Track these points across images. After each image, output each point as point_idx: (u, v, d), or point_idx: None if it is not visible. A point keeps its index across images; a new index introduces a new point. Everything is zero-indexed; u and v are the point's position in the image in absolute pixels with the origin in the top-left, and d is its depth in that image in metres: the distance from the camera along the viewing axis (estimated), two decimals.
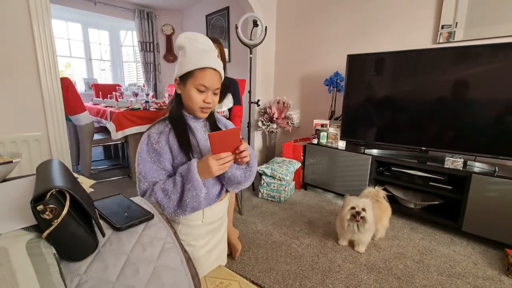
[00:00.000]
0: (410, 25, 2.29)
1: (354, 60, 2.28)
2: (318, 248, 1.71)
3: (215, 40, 1.59)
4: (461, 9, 2.01)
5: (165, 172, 0.89)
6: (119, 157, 3.52)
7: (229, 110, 1.82)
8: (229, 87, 1.75)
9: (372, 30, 2.51)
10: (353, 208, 1.58)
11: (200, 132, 0.95)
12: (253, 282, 1.13)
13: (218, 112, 1.72)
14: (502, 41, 1.72)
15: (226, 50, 3.90)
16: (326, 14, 2.82)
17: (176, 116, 0.92)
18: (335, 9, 2.75)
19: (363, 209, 1.56)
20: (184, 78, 0.87)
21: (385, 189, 1.84)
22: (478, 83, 1.79)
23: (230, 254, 1.60)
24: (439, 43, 2.14)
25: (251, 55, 2.62)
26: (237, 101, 1.82)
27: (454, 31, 2.06)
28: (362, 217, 1.55)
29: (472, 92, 1.82)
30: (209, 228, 0.99)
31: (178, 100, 0.92)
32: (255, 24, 2.56)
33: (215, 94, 0.90)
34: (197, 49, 0.85)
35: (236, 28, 2.42)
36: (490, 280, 1.45)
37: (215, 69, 0.87)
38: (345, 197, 1.69)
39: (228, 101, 1.74)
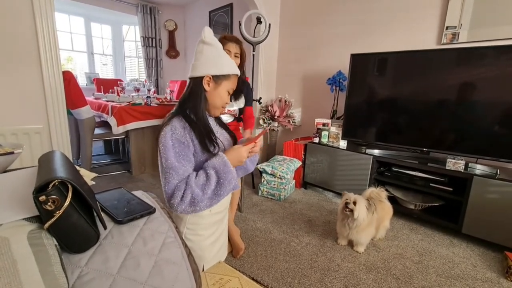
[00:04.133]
0: (414, 25, 2.28)
1: (357, 60, 2.27)
2: (317, 247, 1.70)
3: (236, 41, 1.62)
4: (466, 11, 2.00)
5: (191, 165, 0.87)
6: (119, 152, 3.51)
7: (239, 110, 1.82)
8: (243, 88, 1.77)
9: (376, 30, 2.50)
10: (346, 200, 1.61)
11: (213, 126, 0.98)
12: (252, 279, 1.13)
13: (229, 111, 1.72)
14: (507, 43, 1.71)
15: None
16: (330, 13, 2.81)
17: (195, 114, 0.90)
18: (339, 8, 2.73)
19: (354, 202, 1.57)
20: (219, 78, 0.91)
21: (386, 190, 1.84)
22: (481, 85, 1.78)
23: (231, 252, 1.61)
24: (443, 44, 2.13)
25: (254, 52, 2.61)
26: (249, 102, 1.83)
27: (459, 32, 2.05)
28: (350, 210, 1.57)
29: (475, 94, 1.81)
30: (215, 219, 1.01)
31: (202, 97, 0.91)
32: (259, 21, 2.55)
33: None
34: (225, 54, 0.93)
35: (240, 24, 2.41)
36: (489, 282, 1.45)
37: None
38: (343, 193, 1.70)
39: (240, 101, 1.77)
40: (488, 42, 1.92)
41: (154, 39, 4.74)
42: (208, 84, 0.90)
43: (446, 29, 2.10)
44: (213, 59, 0.90)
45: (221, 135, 0.99)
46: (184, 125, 0.86)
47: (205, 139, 0.88)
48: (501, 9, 1.87)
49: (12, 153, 0.72)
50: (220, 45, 0.93)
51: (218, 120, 1.05)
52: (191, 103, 0.90)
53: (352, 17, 2.65)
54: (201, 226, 0.96)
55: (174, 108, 0.94)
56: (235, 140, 1.06)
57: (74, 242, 0.50)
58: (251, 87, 1.94)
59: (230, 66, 0.92)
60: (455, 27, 2.06)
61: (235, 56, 1.62)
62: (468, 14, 2.00)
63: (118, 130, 2.54)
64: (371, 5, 2.50)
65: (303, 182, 2.68)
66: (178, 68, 5.08)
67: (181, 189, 0.80)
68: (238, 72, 0.94)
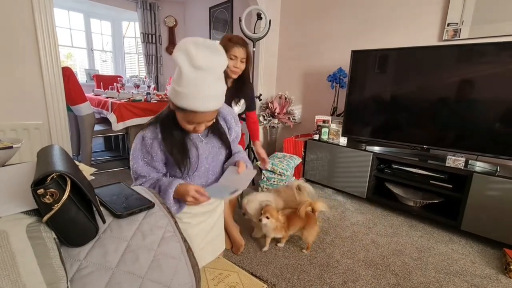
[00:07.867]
0: (416, 22, 2.26)
1: (358, 56, 2.26)
2: (317, 243, 1.71)
3: (243, 44, 1.44)
4: (468, 7, 1.98)
5: (156, 171, 0.91)
6: (119, 149, 3.51)
7: (239, 115, 1.66)
8: (241, 93, 1.59)
9: (377, 26, 2.49)
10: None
11: (195, 136, 0.92)
12: (251, 274, 1.13)
13: None
14: (509, 40, 1.70)
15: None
16: (331, 9, 2.79)
17: (168, 125, 0.88)
18: (340, 4, 2.72)
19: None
20: (177, 106, 0.79)
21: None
22: (482, 82, 1.77)
23: (231, 249, 1.61)
24: (444, 40, 2.12)
25: (254, 49, 2.59)
26: (252, 106, 1.70)
27: (460, 29, 2.04)
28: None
29: (476, 91, 1.80)
30: (203, 209, 1.01)
31: (173, 113, 0.86)
32: (259, 17, 2.54)
33: (208, 121, 0.85)
34: (194, 77, 0.72)
35: (240, 21, 2.40)
36: (488, 278, 1.45)
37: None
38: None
39: (238, 108, 1.61)
40: (490, 39, 1.91)
41: (154, 36, 4.71)
42: (172, 105, 0.82)
43: (448, 25, 2.09)
44: (174, 84, 0.75)
45: (208, 143, 0.94)
46: (155, 136, 0.87)
47: (175, 152, 0.87)
48: (503, 5, 1.85)
49: (11, 147, 0.72)
50: (186, 64, 0.71)
51: (214, 127, 0.95)
52: (164, 112, 0.91)
53: (353, 13, 2.63)
54: (188, 215, 0.96)
55: (161, 111, 0.93)
56: (228, 147, 1.00)
57: (73, 236, 0.50)
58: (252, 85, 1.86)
59: (186, 98, 0.73)
60: (457, 23, 2.05)
61: (241, 62, 1.45)
62: (470, 10, 1.98)
63: (118, 126, 2.54)
64: (372, 1, 2.49)
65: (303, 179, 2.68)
66: None
67: (138, 181, 0.90)
68: (199, 108, 0.75)
